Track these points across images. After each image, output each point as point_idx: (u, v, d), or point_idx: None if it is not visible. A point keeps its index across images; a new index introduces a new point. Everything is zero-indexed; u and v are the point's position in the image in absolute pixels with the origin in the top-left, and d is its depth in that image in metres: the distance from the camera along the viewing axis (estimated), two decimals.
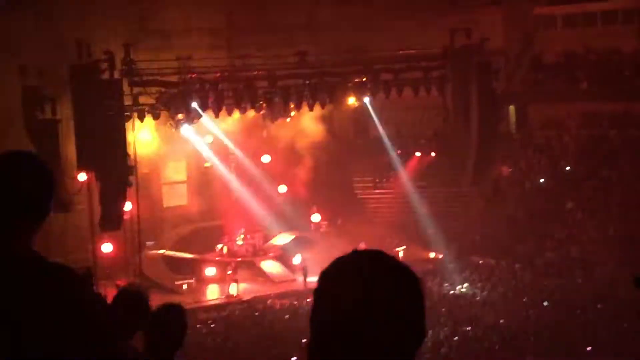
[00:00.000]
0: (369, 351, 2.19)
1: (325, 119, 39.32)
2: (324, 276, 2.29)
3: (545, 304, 29.48)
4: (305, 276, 34.07)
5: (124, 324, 5.20)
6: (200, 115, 33.54)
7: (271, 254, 37.59)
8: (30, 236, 2.98)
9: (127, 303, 5.46)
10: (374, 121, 39.52)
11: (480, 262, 34.73)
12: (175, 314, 5.57)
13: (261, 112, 36.08)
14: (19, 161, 3.06)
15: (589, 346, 25.10)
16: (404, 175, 40.80)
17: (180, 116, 33.70)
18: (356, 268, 2.26)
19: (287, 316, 30.08)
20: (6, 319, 2.77)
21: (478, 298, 31.35)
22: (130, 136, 31.36)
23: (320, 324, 2.27)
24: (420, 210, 38.95)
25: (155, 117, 32.93)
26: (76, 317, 2.85)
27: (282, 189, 40.97)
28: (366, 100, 36.68)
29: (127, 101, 31.16)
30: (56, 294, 2.85)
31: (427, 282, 32.29)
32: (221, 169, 39.31)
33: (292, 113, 37.19)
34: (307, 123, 39.36)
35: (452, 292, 32.46)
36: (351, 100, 36.61)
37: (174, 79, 32.30)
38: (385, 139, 39.94)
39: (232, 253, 37.01)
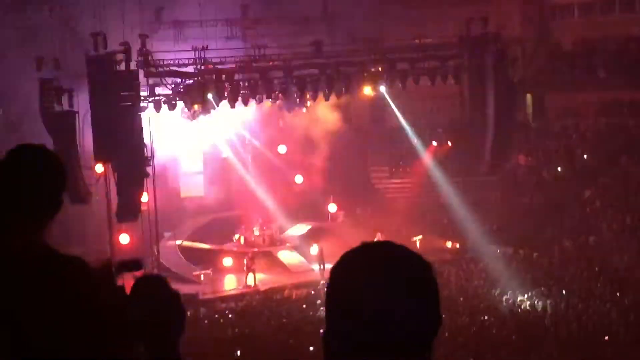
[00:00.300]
0: (384, 342, 2.19)
1: (342, 109, 39.28)
2: (335, 269, 2.28)
3: (563, 292, 29.38)
4: (322, 266, 34.09)
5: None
6: (216, 106, 33.57)
7: (288, 244, 37.65)
8: (43, 228, 2.97)
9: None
10: (390, 111, 39.45)
11: (498, 251, 34.62)
12: (156, 286, 4.75)
13: (277, 102, 36.11)
14: (31, 155, 3.05)
15: (606, 335, 25.01)
16: (421, 164, 40.74)
17: (196, 107, 33.75)
18: (367, 259, 2.26)
19: (304, 306, 30.10)
20: (13, 315, 2.76)
21: (495, 287, 31.26)
22: (146, 127, 31.44)
23: (334, 316, 2.27)
24: (437, 200, 38.90)
25: (172, 107, 32.98)
26: (84, 312, 2.82)
27: (299, 179, 40.99)
28: (382, 89, 36.54)
29: (143, 92, 31.24)
30: (62, 289, 2.83)
31: (444, 271, 32.24)
32: (238, 159, 39.39)
33: (308, 103, 37.23)
34: (323, 113, 39.36)
35: (469, 281, 32.38)
36: (367, 90, 36.54)
37: (190, 69, 32.34)
38: (406, 128, 39.88)
39: (249, 243, 37.09)
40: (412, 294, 2.22)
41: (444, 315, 2.29)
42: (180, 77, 32.46)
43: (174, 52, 32.11)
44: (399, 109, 39.30)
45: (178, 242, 36.90)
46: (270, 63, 33.70)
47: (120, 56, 29.73)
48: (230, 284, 34.70)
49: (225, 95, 32.58)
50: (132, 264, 3.45)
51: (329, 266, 33.00)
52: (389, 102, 38.87)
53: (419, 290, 2.24)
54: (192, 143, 39.08)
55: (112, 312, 2.97)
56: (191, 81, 32.46)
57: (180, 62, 32.22)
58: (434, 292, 2.26)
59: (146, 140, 30.97)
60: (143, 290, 4.28)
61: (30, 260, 2.88)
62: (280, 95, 34.54)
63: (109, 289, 3.06)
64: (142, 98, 31.10)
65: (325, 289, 2.31)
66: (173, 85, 32.67)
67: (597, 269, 31.31)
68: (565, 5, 42.55)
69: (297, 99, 35.02)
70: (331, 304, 2.29)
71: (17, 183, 2.97)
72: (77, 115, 31.58)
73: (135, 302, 4.28)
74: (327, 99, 35.02)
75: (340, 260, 2.30)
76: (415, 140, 40.74)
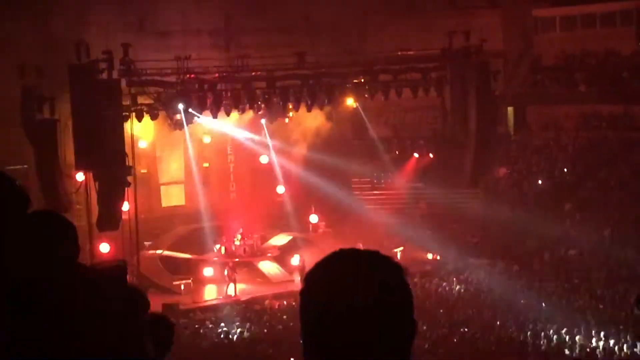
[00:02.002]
0: (359, 346, 2.20)
1: (324, 120, 39.32)
2: (309, 277, 2.31)
3: (543, 305, 29.47)
4: (302, 277, 34.00)
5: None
6: (199, 116, 33.54)
7: (269, 255, 37.58)
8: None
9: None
10: (371, 122, 39.57)
11: (478, 263, 34.70)
12: (163, 328, 5.03)
13: (259, 113, 36.12)
14: (49, 223, 3.08)
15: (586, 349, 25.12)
16: (402, 176, 40.84)
17: (178, 116, 33.70)
18: (339, 266, 2.28)
19: (284, 317, 30.06)
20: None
21: (476, 299, 31.33)
22: (128, 136, 31.36)
23: (309, 325, 2.28)
24: (418, 212, 38.99)
25: (154, 117, 32.92)
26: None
27: (280, 189, 40.98)
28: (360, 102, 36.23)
29: (126, 101, 31.17)
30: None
31: (425, 283, 32.30)
32: (219, 169, 39.36)
33: (291, 114, 37.28)
34: (305, 124, 39.40)
35: (449, 293, 32.45)
36: (349, 101, 36.62)
37: (172, 79, 32.30)
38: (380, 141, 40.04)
39: (230, 253, 36.99)
40: (385, 295, 2.23)
41: (424, 327, 2.30)
42: (162, 87, 32.43)
43: (156, 61, 32.05)
44: (381, 121, 39.42)
45: (159, 251, 36.76)
46: (253, 73, 33.74)
47: (102, 65, 29.67)
48: (210, 294, 34.58)
49: (208, 105, 32.57)
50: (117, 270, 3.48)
51: None
52: (369, 114, 38.99)
53: (392, 292, 2.25)
54: (174, 152, 39.00)
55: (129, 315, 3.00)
56: (174, 91, 32.43)
57: (163, 72, 32.19)
58: (407, 295, 2.28)
59: (127, 149, 30.88)
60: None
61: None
62: (262, 105, 34.55)
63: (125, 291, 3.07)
64: (124, 107, 31.03)
65: (299, 295, 2.32)
66: (155, 95, 32.62)
67: (576, 281, 31.45)
68: (547, 20, 42.83)
69: (280, 110, 35.06)
70: (305, 313, 2.30)
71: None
72: (58, 123, 31.46)
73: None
74: (309, 110, 35.10)
75: (314, 266, 2.32)
76: (396, 152, 40.85)
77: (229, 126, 38.18)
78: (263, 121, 38.80)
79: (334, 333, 2.21)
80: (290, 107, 34.98)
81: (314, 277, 2.30)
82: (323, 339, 2.23)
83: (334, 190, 39.71)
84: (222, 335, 28.51)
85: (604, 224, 34.81)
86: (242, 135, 39.70)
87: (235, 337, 28.36)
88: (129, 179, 30.40)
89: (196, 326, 29.33)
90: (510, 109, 41.32)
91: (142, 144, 36.34)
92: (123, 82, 30.69)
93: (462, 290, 32.44)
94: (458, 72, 34.01)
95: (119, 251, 33.45)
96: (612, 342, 25.15)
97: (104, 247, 32.92)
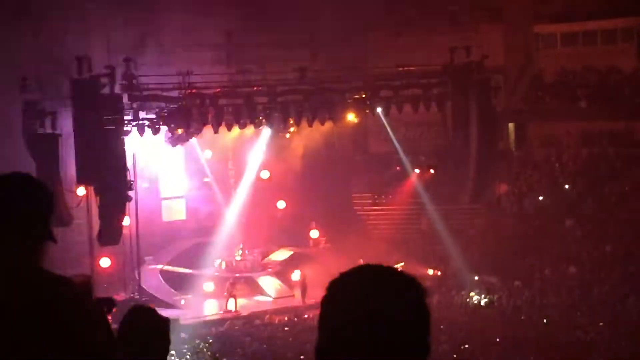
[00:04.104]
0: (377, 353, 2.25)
1: (325, 135, 39.34)
2: (333, 285, 2.36)
3: (544, 321, 29.42)
4: (303, 292, 34.00)
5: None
6: (200, 131, 33.57)
7: (269, 270, 37.55)
8: (33, 254, 3.07)
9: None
10: (373, 138, 39.58)
11: (479, 279, 34.65)
12: (145, 316, 4.91)
13: (260, 128, 36.15)
14: (19, 183, 3.16)
15: None
16: (403, 192, 40.82)
17: (179, 131, 33.73)
18: (364, 278, 2.35)
19: (285, 331, 30.02)
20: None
21: (477, 315, 31.28)
22: (129, 151, 31.39)
23: (328, 332, 2.32)
24: (419, 227, 38.95)
25: (155, 132, 32.95)
26: (64, 327, 2.85)
27: (281, 204, 40.96)
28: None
29: (127, 116, 31.21)
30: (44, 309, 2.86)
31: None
32: (220, 183, 39.35)
33: (292, 129, 37.29)
34: (307, 139, 39.43)
35: (450, 309, 32.39)
36: (350, 117, 36.66)
37: (174, 94, 32.35)
38: (389, 155, 40.05)
39: (230, 268, 36.97)
40: (405, 316, 2.32)
41: None
42: (164, 102, 32.46)
43: (158, 76, 32.12)
44: (382, 137, 39.42)
45: (159, 266, 36.73)
46: (255, 88, 33.79)
47: (104, 80, 29.74)
48: (211, 308, 34.55)
49: (209, 120, 32.60)
50: (106, 302, 3.57)
51: (310, 293, 33.07)
52: (371, 129, 39.00)
53: (412, 314, 2.35)
54: (175, 167, 39.02)
55: (90, 329, 3.00)
56: (175, 105, 32.47)
57: (165, 87, 32.25)
58: (425, 316, 2.40)
59: (129, 164, 30.91)
60: (135, 320, 4.56)
61: (22, 275, 2.95)
62: (263, 120, 34.58)
63: (89, 305, 3.11)
64: (126, 122, 31.07)
65: (321, 303, 2.35)
66: (157, 110, 32.66)
67: (577, 298, 31.40)
68: (548, 36, 42.89)
69: (281, 125, 35.09)
70: (325, 320, 2.33)
71: (7, 210, 3.08)
72: (60, 138, 31.49)
73: (127, 330, 4.46)
74: (310, 125, 35.11)
75: (338, 277, 2.37)
76: (397, 168, 40.87)
77: (230, 141, 38.20)
78: (264, 136, 38.82)
79: (351, 343, 2.25)
80: (291, 122, 35.00)
81: (337, 287, 2.35)
82: (340, 348, 2.27)
83: (335, 205, 39.71)
84: (223, 350, 28.45)
85: (605, 240, 34.77)
86: (243, 149, 39.71)
87: (235, 352, 28.30)
88: (130, 193, 30.42)
89: (197, 341, 29.27)
90: (511, 125, 41.31)
91: (144, 159, 36.34)
92: (125, 97, 30.74)
93: (463, 307, 32.38)
94: (459, 87, 34.05)
95: (120, 265, 33.46)
96: None
97: (105, 262, 32.93)
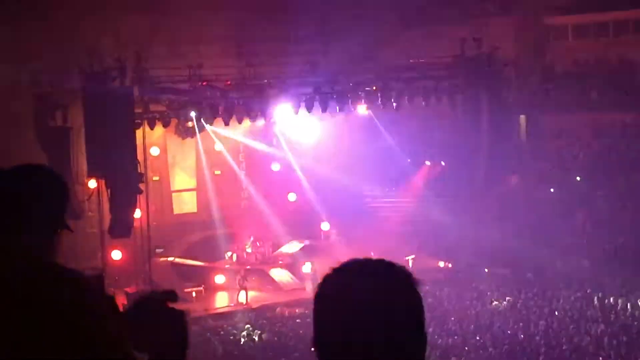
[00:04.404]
0: (370, 352, 2.26)
1: (336, 128, 39.34)
2: (323, 282, 2.39)
3: (556, 314, 29.36)
4: (314, 284, 34.00)
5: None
6: (211, 123, 33.58)
7: (280, 262, 37.58)
8: (48, 246, 3.07)
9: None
10: (383, 130, 39.53)
11: (490, 271, 34.59)
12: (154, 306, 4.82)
13: (271, 120, 36.14)
14: (35, 174, 3.18)
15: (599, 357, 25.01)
16: (414, 184, 40.79)
17: (190, 124, 33.75)
18: (353, 272, 2.37)
19: (296, 324, 30.04)
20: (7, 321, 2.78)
21: (488, 307, 31.23)
22: (140, 144, 31.43)
23: (322, 329, 2.35)
24: (430, 220, 38.89)
25: (166, 124, 33.00)
26: (75, 321, 2.84)
27: (292, 196, 40.97)
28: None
29: (138, 109, 31.25)
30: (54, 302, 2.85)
31: (437, 291, 32.18)
32: (231, 176, 39.40)
33: (302, 121, 37.28)
34: (317, 131, 39.43)
35: (461, 301, 32.36)
36: (361, 109, 36.61)
37: (184, 87, 32.37)
38: (400, 147, 40.00)
39: (241, 261, 37.01)
40: (396, 307, 2.30)
41: (436, 336, 2.33)
42: (174, 94, 32.49)
43: (168, 69, 32.14)
44: (393, 129, 39.37)
45: (170, 258, 36.81)
46: (265, 81, 33.77)
47: (115, 73, 29.77)
48: (222, 301, 34.60)
49: (220, 112, 32.62)
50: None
51: None
52: (382, 121, 38.95)
53: (403, 305, 2.32)
54: (186, 159, 39.07)
55: (102, 323, 2.98)
56: (186, 98, 32.49)
57: (175, 79, 32.27)
58: (418, 306, 2.35)
59: (139, 156, 30.95)
60: (147, 310, 4.35)
61: (30, 267, 2.94)
62: (274, 113, 34.57)
63: (100, 300, 3.08)
64: (137, 114, 31.11)
65: (314, 299, 2.38)
66: (167, 102, 32.68)
67: (588, 290, 31.32)
68: (560, 27, 42.74)
69: (291, 117, 35.07)
70: (319, 313, 2.37)
71: (21, 201, 3.08)
72: (71, 130, 31.56)
73: (141, 320, 4.28)
74: (323, 114, 35.06)
75: (329, 272, 2.40)
76: (408, 160, 40.82)
77: (240, 133, 38.25)
78: (275, 128, 38.86)
79: (345, 337, 2.27)
80: (303, 114, 34.96)
81: (328, 282, 2.38)
82: (335, 342, 2.29)
83: (346, 197, 39.70)
84: (234, 343, 28.50)
85: (616, 233, 34.67)
86: (254, 142, 39.76)
87: (246, 344, 28.35)
88: (141, 186, 30.47)
89: (208, 334, 29.33)
90: (522, 117, 41.19)
91: (154, 151, 36.40)
92: (135, 90, 30.78)
93: (474, 299, 32.33)
94: (470, 80, 33.98)
95: (131, 258, 33.53)
96: None
97: (116, 254, 33.01)
